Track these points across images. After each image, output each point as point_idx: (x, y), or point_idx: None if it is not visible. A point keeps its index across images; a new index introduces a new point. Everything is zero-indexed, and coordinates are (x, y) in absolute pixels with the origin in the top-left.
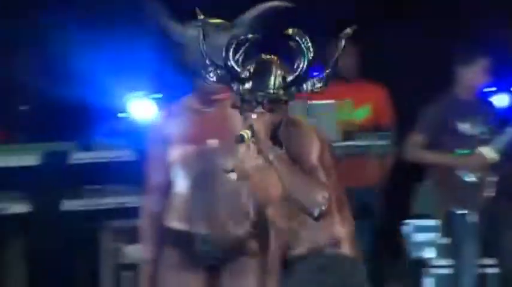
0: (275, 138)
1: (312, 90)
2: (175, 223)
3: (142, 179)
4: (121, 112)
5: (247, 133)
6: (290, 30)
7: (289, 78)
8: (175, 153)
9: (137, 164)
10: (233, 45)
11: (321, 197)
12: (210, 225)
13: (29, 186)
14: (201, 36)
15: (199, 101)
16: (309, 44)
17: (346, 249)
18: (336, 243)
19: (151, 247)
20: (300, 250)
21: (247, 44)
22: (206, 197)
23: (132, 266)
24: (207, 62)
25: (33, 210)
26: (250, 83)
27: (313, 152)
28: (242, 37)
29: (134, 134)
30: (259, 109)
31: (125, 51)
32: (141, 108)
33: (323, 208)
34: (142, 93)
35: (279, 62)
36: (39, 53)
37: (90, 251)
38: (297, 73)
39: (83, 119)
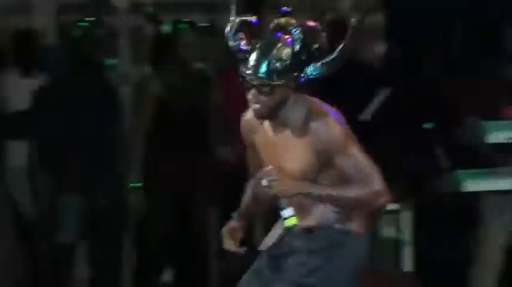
0: (274, 115)
1: (313, 75)
2: None
3: None
4: None
5: (291, 219)
6: (282, 20)
7: (278, 65)
8: None
9: None
10: (234, 27)
11: (381, 200)
12: None
13: None
14: None
15: None
16: (299, 34)
17: (355, 226)
18: (346, 219)
19: None
20: (308, 223)
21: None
22: None
23: None
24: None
25: None
26: (247, 65)
27: (345, 141)
28: (242, 18)
29: None
30: (253, 91)
31: None
32: None
33: (386, 203)
34: None
35: (281, 44)
36: None
37: None
38: (285, 61)
39: None
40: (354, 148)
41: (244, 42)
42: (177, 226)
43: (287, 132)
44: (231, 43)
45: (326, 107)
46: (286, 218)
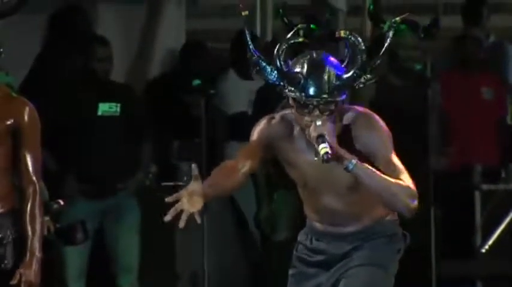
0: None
1: (363, 83)
2: None
3: None
4: None
5: (326, 148)
6: (342, 32)
7: (344, 77)
8: None
9: None
10: (284, 49)
11: (410, 200)
12: None
13: None
14: None
15: None
16: (362, 45)
17: (389, 216)
18: (391, 213)
19: None
20: (354, 227)
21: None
22: None
23: None
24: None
25: None
26: (305, 87)
27: (387, 144)
28: (292, 40)
29: None
30: (316, 112)
31: None
32: None
33: (414, 205)
34: None
35: (329, 57)
36: None
37: None
38: (349, 74)
39: None
40: (392, 149)
41: (292, 64)
42: None
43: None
44: (281, 67)
45: (368, 111)
46: (321, 149)
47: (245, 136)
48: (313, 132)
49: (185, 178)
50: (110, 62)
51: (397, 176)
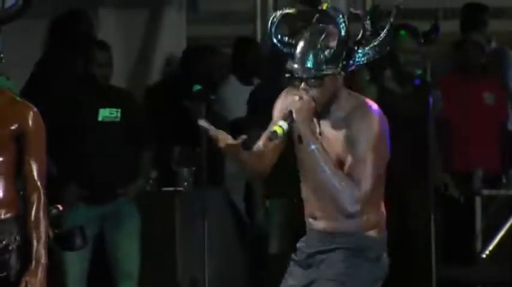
0: (328, 113)
1: (362, 61)
2: None
3: None
4: None
5: (280, 127)
6: (324, 5)
7: (325, 53)
8: None
9: None
10: (275, 22)
11: (350, 201)
12: None
13: None
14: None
15: None
16: (343, 19)
17: (372, 233)
18: (368, 227)
19: None
20: (327, 224)
21: (288, 18)
22: None
23: None
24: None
25: None
26: (293, 59)
27: (368, 141)
28: (281, 12)
29: None
30: (304, 86)
31: None
32: None
33: (352, 210)
34: None
35: (325, 35)
36: None
37: None
38: (333, 50)
39: None
40: (377, 152)
41: (287, 37)
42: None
43: (328, 124)
44: (274, 39)
45: (376, 107)
46: (276, 125)
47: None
48: (289, 106)
49: (185, 184)
50: (110, 67)
51: (356, 176)
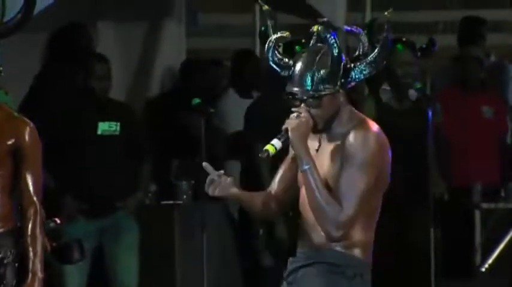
0: (329, 129)
1: (359, 77)
2: None
3: None
4: None
5: (272, 146)
6: (314, 28)
7: (322, 73)
8: None
9: None
10: (271, 47)
11: (332, 227)
12: None
13: None
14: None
15: None
16: (334, 39)
17: (357, 253)
18: (350, 246)
19: None
20: (313, 243)
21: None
22: None
23: None
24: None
25: None
26: (290, 80)
27: (360, 164)
28: (276, 36)
29: None
30: (303, 106)
31: None
32: None
33: (335, 235)
34: None
35: (321, 54)
36: None
37: None
38: (328, 69)
39: None
40: (367, 175)
41: (284, 59)
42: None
43: (328, 140)
44: (272, 63)
45: (378, 128)
46: (270, 143)
47: (245, 155)
48: (285, 124)
49: (184, 197)
50: (108, 80)
51: (343, 199)
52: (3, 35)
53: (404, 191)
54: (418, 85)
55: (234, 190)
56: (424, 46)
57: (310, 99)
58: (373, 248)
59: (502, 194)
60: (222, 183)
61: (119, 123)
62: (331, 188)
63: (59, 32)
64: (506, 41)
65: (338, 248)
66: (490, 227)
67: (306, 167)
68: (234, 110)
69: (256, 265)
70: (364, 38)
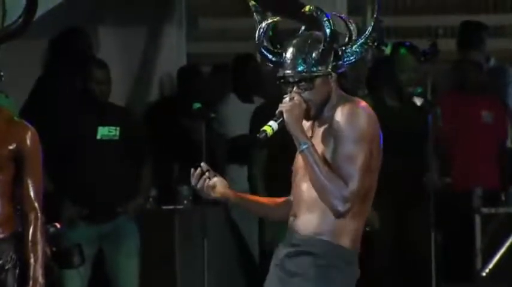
0: (321, 114)
1: (350, 60)
2: None
3: None
4: None
5: (270, 127)
6: (306, 8)
7: (314, 55)
8: None
9: None
10: (262, 31)
11: (340, 201)
12: None
13: None
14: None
15: None
16: (327, 19)
17: (345, 242)
18: (339, 235)
19: None
20: (304, 226)
21: (273, 26)
22: None
23: None
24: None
25: None
26: (281, 64)
27: (354, 138)
28: (267, 22)
29: None
30: (296, 89)
31: None
32: None
33: (342, 209)
34: None
35: (311, 39)
36: None
37: None
38: (320, 50)
39: None
40: (362, 146)
41: (275, 45)
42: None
43: (320, 124)
44: (262, 49)
45: (364, 104)
46: (267, 125)
47: (245, 159)
48: (280, 107)
49: (185, 202)
50: (108, 85)
51: (344, 175)
52: (3, 39)
53: (404, 195)
54: (419, 89)
55: (232, 192)
56: (427, 51)
57: (303, 82)
58: (372, 251)
59: (503, 198)
60: (217, 183)
61: (118, 128)
62: (332, 168)
63: (59, 37)
64: (507, 45)
65: (326, 238)
66: (490, 231)
67: (304, 146)
68: (235, 114)
69: (256, 270)
70: (353, 25)
